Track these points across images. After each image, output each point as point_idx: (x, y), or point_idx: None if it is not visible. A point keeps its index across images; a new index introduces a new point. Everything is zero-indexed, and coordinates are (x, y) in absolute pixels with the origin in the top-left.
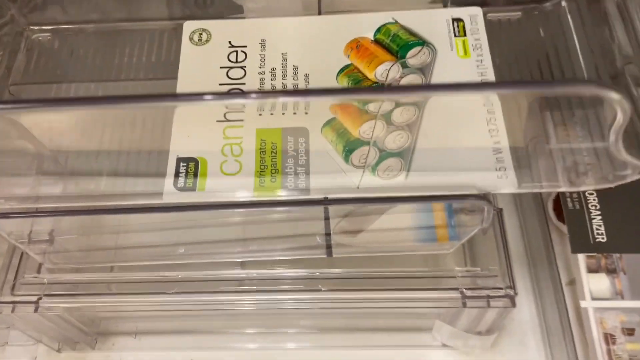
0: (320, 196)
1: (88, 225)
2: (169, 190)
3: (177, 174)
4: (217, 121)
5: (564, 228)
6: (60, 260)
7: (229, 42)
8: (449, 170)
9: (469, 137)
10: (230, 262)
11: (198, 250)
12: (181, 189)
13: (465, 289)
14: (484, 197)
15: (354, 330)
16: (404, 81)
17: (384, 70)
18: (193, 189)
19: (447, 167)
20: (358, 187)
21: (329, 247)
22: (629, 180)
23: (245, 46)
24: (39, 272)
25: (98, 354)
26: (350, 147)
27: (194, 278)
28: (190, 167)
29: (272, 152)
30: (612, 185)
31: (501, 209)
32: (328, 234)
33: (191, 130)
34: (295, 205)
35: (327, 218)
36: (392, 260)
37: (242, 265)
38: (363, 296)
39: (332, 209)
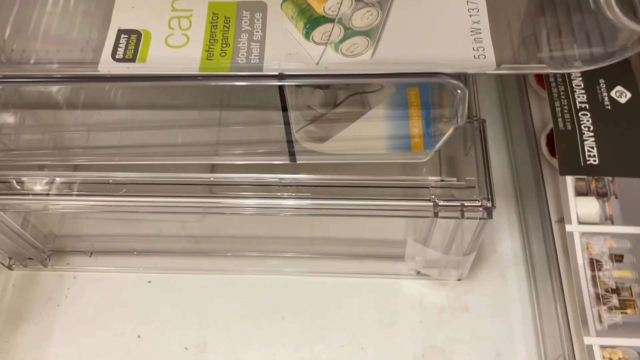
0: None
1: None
2: (106, 60)
3: (116, 45)
4: None
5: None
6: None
7: None
8: (421, 49)
9: (446, 16)
10: (195, 165)
11: (158, 151)
12: (119, 60)
13: (439, 198)
14: (457, 76)
15: (324, 256)
16: None
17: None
18: (133, 60)
19: (419, 46)
20: (317, 64)
21: (292, 154)
22: (622, 56)
23: None
24: None
25: (51, 272)
26: (312, 24)
27: (152, 180)
28: (132, 38)
29: (224, 26)
30: (602, 65)
31: (484, 120)
32: (290, 141)
33: (136, 1)
34: (246, 80)
35: (287, 123)
36: (363, 169)
37: (210, 168)
38: (330, 203)
39: (295, 115)
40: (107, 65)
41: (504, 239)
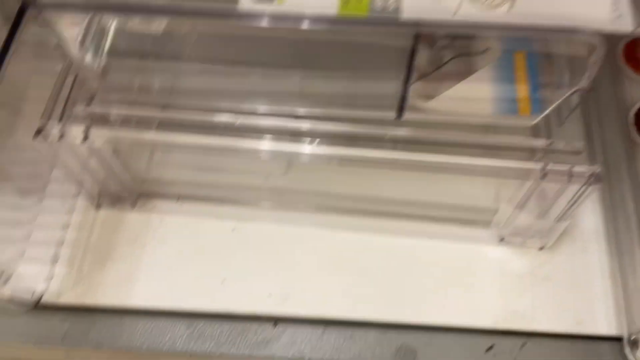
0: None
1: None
2: (247, 0)
3: None
4: None
5: None
6: (113, 93)
7: None
8: (558, 4)
9: None
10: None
11: (256, 100)
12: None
13: (546, 161)
14: (597, 33)
15: (408, 218)
16: None
17: None
18: (271, 0)
19: (557, 1)
20: (454, 15)
21: (401, 109)
22: None
23: None
24: (89, 105)
25: (138, 214)
26: None
27: (249, 126)
28: None
29: None
30: None
31: (592, 87)
32: (403, 97)
33: None
34: (384, 26)
35: (404, 79)
36: (467, 130)
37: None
38: (432, 159)
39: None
40: (247, 4)
41: (586, 213)
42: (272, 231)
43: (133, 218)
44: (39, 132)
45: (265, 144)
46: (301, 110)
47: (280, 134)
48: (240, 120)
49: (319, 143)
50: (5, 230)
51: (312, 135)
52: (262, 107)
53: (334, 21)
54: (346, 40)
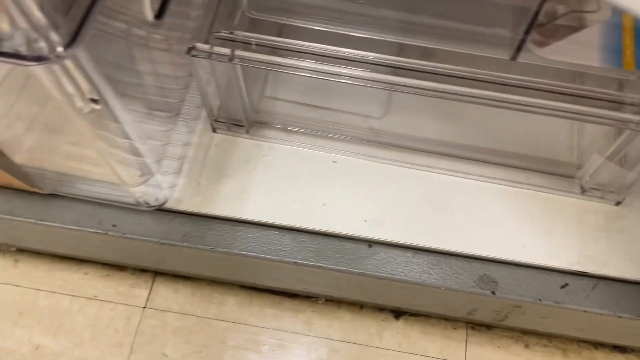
0: None
1: None
2: None
3: None
4: None
5: None
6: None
7: None
8: None
9: None
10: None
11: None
12: None
13: None
14: None
15: (495, 165)
16: None
17: None
18: None
19: None
20: None
21: (517, 50)
22: None
23: None
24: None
25: (250, 139)
26: None
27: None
28: None
29: None
30: None
31: None
32: (522, 40)
33: None
34: None
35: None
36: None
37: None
38: (535, 101)
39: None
40: None
41: None
42: (369, 166)
43: (246, 142)
44: (190, 49)
45: (370, 75)
46: (411, 42)
47: (385, 66)
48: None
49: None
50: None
51: (416, 69)
52: (373, 37)
53: None
54: None
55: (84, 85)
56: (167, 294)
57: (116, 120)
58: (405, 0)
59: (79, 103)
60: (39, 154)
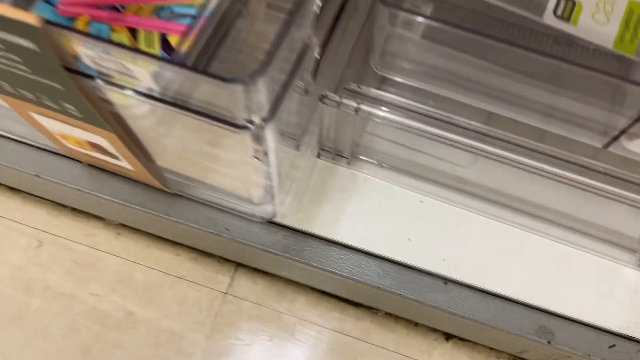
0: None
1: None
2: (549, 14)
3: (557, 5)
4: None
5: None
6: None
7: None
8: None
9: None
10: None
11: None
12: (558, 17)
13: None
14: None
15: (565, 227)
16: None
17: None
18: (567, 20)
19: None
20: None
21: (612, 140)
22: None
23: None
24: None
25: (348, 170)
26: None
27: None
28: (569, 5)
29: (636, 22)
30: None
31: None
32: (622, 131)
33: None
34: None
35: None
36: None
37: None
38: (628, 195)
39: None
40: (550, 18)
41: None
42: (452, 210)
43: (345, 172)
44: (322, 97)
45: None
46: (503, 112)
47: (475, 132)
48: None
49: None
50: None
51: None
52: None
53: (608, 52)
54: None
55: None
56: (246, 284)
57: (267, 152)
58: (505, 70)
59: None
60: (183, 164)
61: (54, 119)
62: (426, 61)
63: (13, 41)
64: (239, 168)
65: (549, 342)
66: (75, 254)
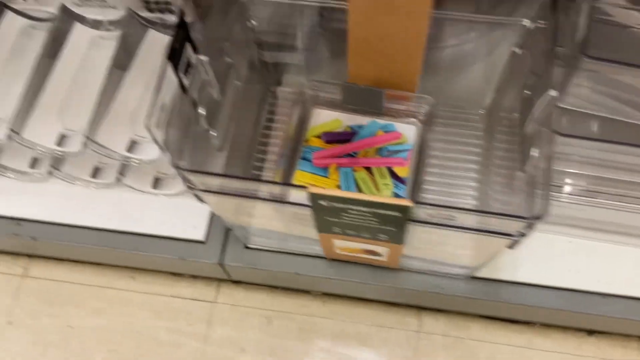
0: None
1: None
2: None
3: None
4: None
5: None
6: None
7: None
8: None
9: None
10: None
11: None
12: None
13: None
14: None
15: None
16: None
17: None
18: None
19: None
20: None
21: None
22: None
23: None
24: None
25: None
26: None
27: None
28: None
29: None
30: None
31: None
32: None
33: None
34: None
35: None
36: None
37: None
38: None
39: None
40: None
41: None
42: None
43: None
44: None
45: None
46: None
47: None
48: None
49: None
50: None
51: None
52: None
53: None
54: None
55: None
56: (432, 322)
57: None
58: None
59: None
60: (428, 251)
61: (353, 242)
62: None
63: (385, 213)
64: (486, 250)
65: None
66: (298, 322)
